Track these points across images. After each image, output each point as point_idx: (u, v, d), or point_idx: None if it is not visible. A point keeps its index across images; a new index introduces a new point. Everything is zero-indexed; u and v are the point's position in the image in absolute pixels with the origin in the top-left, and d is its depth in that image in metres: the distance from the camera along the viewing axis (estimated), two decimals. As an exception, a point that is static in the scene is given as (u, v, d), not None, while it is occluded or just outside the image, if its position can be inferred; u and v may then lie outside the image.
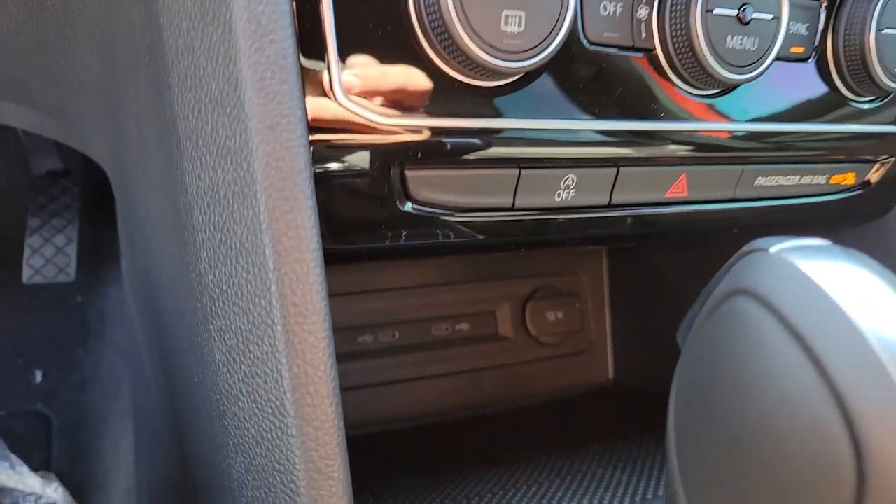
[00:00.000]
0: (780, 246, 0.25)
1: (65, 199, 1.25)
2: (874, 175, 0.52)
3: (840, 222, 0.57)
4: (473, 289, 0.77)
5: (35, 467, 1.13)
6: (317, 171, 0.33)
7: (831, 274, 0.24)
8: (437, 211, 0.38)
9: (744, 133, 0.44)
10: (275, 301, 0.27)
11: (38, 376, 1.17)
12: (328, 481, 0.28)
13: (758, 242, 0.26)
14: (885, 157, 0.51)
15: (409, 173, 0.36)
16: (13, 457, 1.08)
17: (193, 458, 0.41)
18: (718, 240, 0.64)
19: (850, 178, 0.51)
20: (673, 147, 0.42)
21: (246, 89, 0.26)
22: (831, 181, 0.50)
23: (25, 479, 1.09)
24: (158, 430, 0.65)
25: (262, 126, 0.27)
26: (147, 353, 0.63)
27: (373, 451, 0.66)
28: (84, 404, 1.19)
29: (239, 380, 0.29)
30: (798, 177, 0.49)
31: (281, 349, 0.27)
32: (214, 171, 0.28)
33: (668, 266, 0.76)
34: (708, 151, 0.44)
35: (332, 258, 0.41)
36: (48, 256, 1.22)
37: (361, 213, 0.36)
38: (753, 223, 0.50)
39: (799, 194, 0.50)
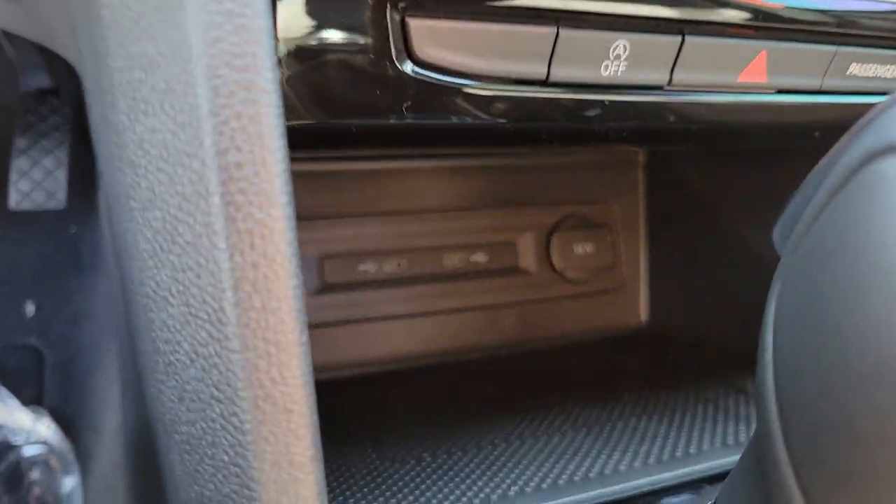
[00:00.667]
0: None
1: (54, 119, 1.17)
2: None
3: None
4: (492, 215, 0.69)
5: (26, 403, 1.07)
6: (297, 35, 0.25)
7: None
8: (446, 78, 0.29)
9: (841, 9, 0.35)
10: (209, 159, 0.19)
11: (30, 309, 1.11)
12: (285, 415, 0.20)
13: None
14: None
15: (411, 22, 0.27)
16: (3, 390, 1.02)
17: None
18: (783, 155, 0.54)
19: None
20: (751, 17, 0.33)
21: None
22: (937, 76, 0.41)
23: (15, 414, 1.03)
24: (134, 374, 0.58)
25: None
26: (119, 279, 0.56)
27: (374, 394, 0.59)
28: (78, 339, 1.13)
29: (167, 275, 0.21)
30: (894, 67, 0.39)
31: (218, 229, 0.19)
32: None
33: (714, 193, 0.66)
34: (796, 24, 0.35)
35: (321, 139, 0.32)
36: (37, 180, 1.15)
37: (352, 76, 0.28)
38: (836, 126, 0.41)
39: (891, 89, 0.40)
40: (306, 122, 0.28)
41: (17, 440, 1.04)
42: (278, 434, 0.20)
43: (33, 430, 1.07)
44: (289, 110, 0.31)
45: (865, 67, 0.38)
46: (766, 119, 0.39)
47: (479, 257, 0.68)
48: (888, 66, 0.39)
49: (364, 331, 0.64)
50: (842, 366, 0.17)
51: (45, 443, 1.06)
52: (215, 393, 0.20)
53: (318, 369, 0.64)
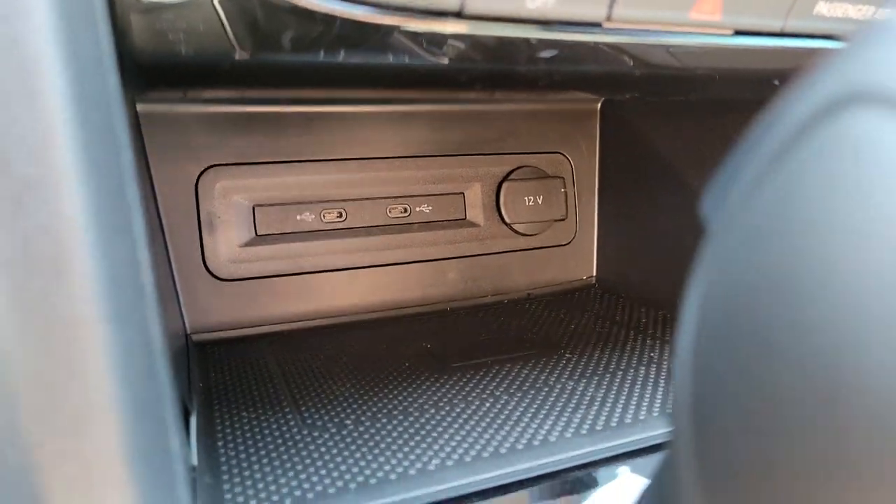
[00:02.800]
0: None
1: None
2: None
3: None
4: (439, 164, 0.64)
5: None
6: None
7: None
8: (357, 10, 0.25)
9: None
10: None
11: None
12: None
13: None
14: None
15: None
16: None
17: None
18: (742, 107, 0.50)
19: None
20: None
21: None
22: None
23: None
24: None
25: None
26: None
27: (305, 352, 0.55)
28: None
29: None
30: (875, 7, 0.35)
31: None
32: None
33: (670, 146, 0.63)
34: (756, -47, 0.30)
35: (259, 78, 0.28)
36: None
37: (281, 11, 0.23)
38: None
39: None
40: (243, 59, 0.24)
41: None
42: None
43: None
44: (222, 45, 0.26)
45: (834, 6, 0.34)
46: (721, 65, 0.35)
47: (425, 208, 0.64)
48: (860, 6, 0.35)
49: (300, 284, 0.60)
50: (794, 332, 0.14)
51: None
52: None
53: (246, 324, 0.60)
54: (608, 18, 0.29)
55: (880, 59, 0.13)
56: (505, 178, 0.67)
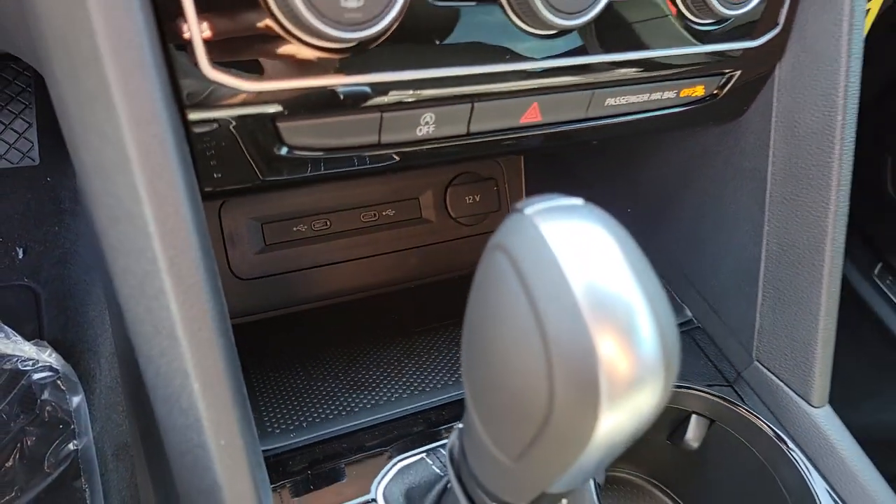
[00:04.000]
0: (533, 207, 0.33)
1: (18, 84, 1.27)
2: (722, 87, 0.58)
3: (697, 124, 0.64)
4: (399, 178, 0.85)
5: (28, 337, 1.26)
6: (203, 129, 0.40)
7: (564, 232, 0.32)
8: (311, 153, 0.45)
9: (589, 64, 0.51)
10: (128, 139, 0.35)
11: (20, 253, 1.26)
12: (197, 305, 0.37)
13: (520, 203, 0.34)
14: (731, 70, 0.57)
15: (280, 125, 0.43)
16: (7, 328, 1.20)
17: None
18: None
19: (699, 91, 0.58)
20: (522, 82, 0.49)
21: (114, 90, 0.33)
22: (682, 94, 0.57)
23: (21, 347, 1.22)
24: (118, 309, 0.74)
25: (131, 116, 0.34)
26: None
27: (311, 324, 0.77)
28: (67, 277, 1.27)
29: (117, 233, 0.37)
30: (648, 94, 0.55)
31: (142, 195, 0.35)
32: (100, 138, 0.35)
33: (576, 155, 0.83)
34: (557, 81, 0.50)
35: (224, 193, 0.48)
36: (10, 141, 1.27)
37: (248, 157, 0.44)
38: (611, 135, 0.57)
39: (651, 108, 0.57)
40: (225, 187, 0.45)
41: (26, 367, 1.25)
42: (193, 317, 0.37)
43: (39, 358, 1.27)
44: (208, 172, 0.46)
45: (620, 99, 0.55)
46: (550, 141, 0.55)
47: (390, 212, 0.85)
48: (638, 95, 0.55)
49: (302, 277, 0.82)
50: (482, 344, 0.35)
51: (50, 368, 1.27)
52: (154, 303, 0.37)
53: (261, 310, 0.83)
54: (468, 133, 0.50)
55: (509, 230, 0.33)
56: (450, 184, 0.87)
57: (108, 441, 1.19)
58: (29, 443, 1.23)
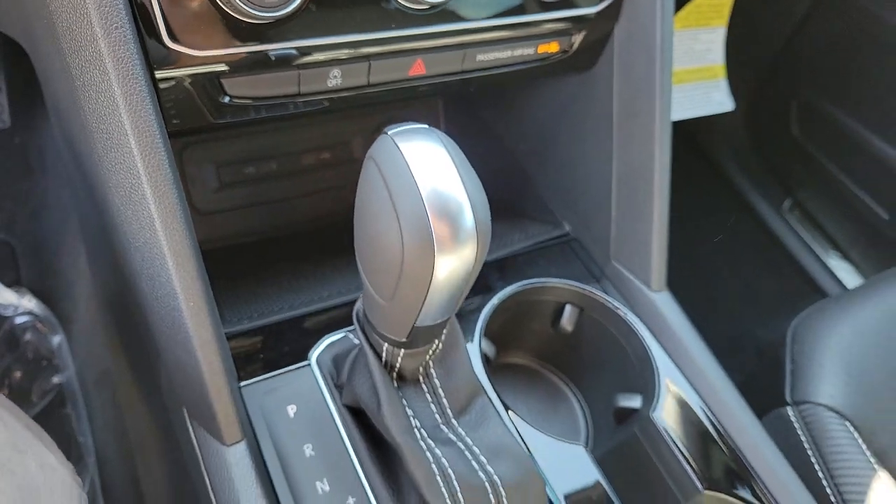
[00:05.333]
0: (394, 130, 0.49)
1: (-16, 52, 1.37)
2: (572, 45, 0.75)
3: (559, 74, 0.81)
4: (333, 125, 1.01)
5: (9, 284, 1.40)
6: (166, 85, 0.56)
7: (413, 147, 0.48)
8: (248, 101, 0.61)
9: (460, 29, 0.67)
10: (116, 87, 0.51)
11: (-7, 210, 1.37)
12: (175, 229, 0.53)
13: (386, 128, 0.50)
14: (578, 31, 0.74)
15: (223, 80, 0.59)
16: (-15, 278, 1.33)
17: (121, 259, 0.66)
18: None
19: (554, 47, 0.75)
20: (408, 44, 0.65)
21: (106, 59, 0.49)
22: (539, 51, 0.74)
23: (2, 294, 1.36)
24: (102, 244, 0.88)
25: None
26: (80, 184, 0.84)
27: (258, 254, 0.93)
28: (40, 230, 1.40)
29: (116, 175, 0.53)
30: (511, 51, 0.72)
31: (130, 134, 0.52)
32: (98, 94, 0.51)
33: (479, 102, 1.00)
34: (435, 43, 0.67)
35: (185, 132, 0.63)
36: (-21, 107, 1.37)
37: (200, 105, 0.59)
38: (486, 84, 0.74)
39: (516, 62, 0.73)
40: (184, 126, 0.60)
41: (7, 312, 1.40)
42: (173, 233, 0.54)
43: (19, 304, 1.43)
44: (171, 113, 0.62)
45: (488, 55, 0.71)
46: (439, 88, 0.71)
47: (326, 155, 1.01)
48: (503, 52, 0.72)
49: (252, 212, 0.98)
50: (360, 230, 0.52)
51: (30, 313, 1.43)
52: (139, 206, 0.53)
53: (219, 239, 1.01)
54: (368, 84, 0.66)
55: (376, 146, 0.50)
56: (376, 130, 1.03)
57: (89, 373, 1.34)
58: (16, 378, 1.39)
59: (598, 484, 0.69)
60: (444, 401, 0.62)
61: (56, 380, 1.40)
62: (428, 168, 0.46)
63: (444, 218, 0.46)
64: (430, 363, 0.62)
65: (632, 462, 0.76)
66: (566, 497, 0.67)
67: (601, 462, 0.70)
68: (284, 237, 0.97)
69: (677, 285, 0.84)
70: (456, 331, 0.62)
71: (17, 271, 1.46)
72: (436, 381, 0.62)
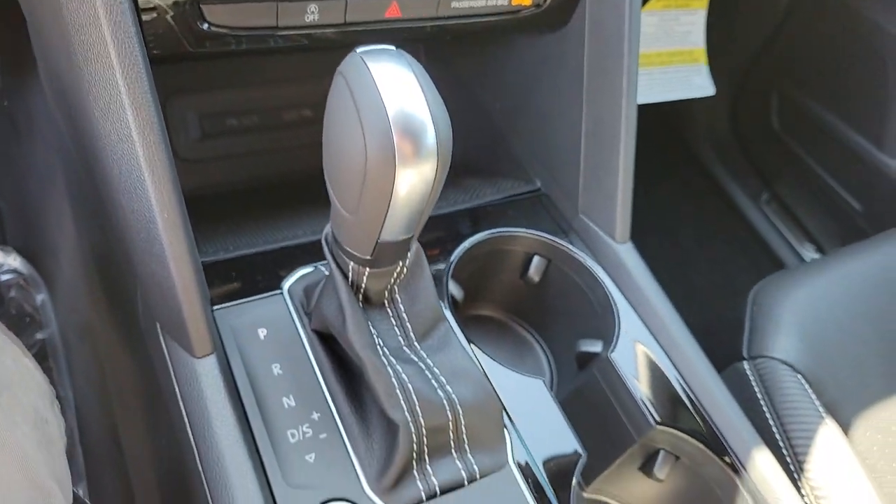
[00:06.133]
0: (361, 49, 0.52)
1: (-26, 18, 1.39)
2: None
3: (533, 28, 0.84)
4: (313, 84, 1.04)
5: (-7, 245, 1.41)
6: (147, 13, 0.59)
7: (381, 65, 0.51)
8: (226, 30, 0.64)
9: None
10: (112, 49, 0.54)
11: (-20, 173, 1.39)
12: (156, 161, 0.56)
13: (357, 48, 0.53)
14: (550, -16, 0.77)
15: (203, 7, 0.61)
16: (-29, 239, 1.35)
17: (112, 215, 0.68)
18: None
19: (527, 0, 0.78)
20: (385, -14, 0.68)
21: None
22: (513, 3, 0.77)
23: (-14, 253, 1.38)
24: (91, 203, 0.90)
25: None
26: (71, 145, 0.87)
27: (238, 202, 0.96)
28: (27, 192, 1.41)
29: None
30: (485, 0, 0.75)
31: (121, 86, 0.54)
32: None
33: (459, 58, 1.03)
34: (411, -13, 0.70)
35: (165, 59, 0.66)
36: (-32, 70, 1.38)
37: (180, 32, 0.62)
38: (463, 32, 0.77)
39: (489, 13, 0.76)
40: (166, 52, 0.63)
41: None
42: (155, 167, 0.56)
43: (4, 262, 1.45)
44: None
45: (462, 2, 0.74)
46: (412, 32, 0.74)
47: (307, 111, 1.04)
48: (475, 1, 0.75)
49: (233, 163, 1.00)
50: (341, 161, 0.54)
51: (15, 271, 1.45)
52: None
53: (200, 188, 1.03)
54: (344, 22, 0.69)
55: (346, 62, 0.53)
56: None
57: (72, 329, 1.36)
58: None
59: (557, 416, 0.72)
60: (408, 325, 0.65)
61: (39, 336, 1.42)
62: (394, 86, 0.49)
63: (407, 134, 0.48)
64: (396, 288, 0.64)
65: (590, 403, 0.79)
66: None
67: (562, 406, 0.73)
68: (264, 188, 1.00)
69: (652, 270, 0.87)
70: (421, 259, 0.65)
71: (3, 231, 1.48)
72: (400, 305, 0.65)
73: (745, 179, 2.05)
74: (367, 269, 0.59)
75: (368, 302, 0.64)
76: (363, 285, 0.61)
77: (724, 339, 0.98)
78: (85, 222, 1.23)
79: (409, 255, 0.62)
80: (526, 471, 0.65)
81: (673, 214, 2.02)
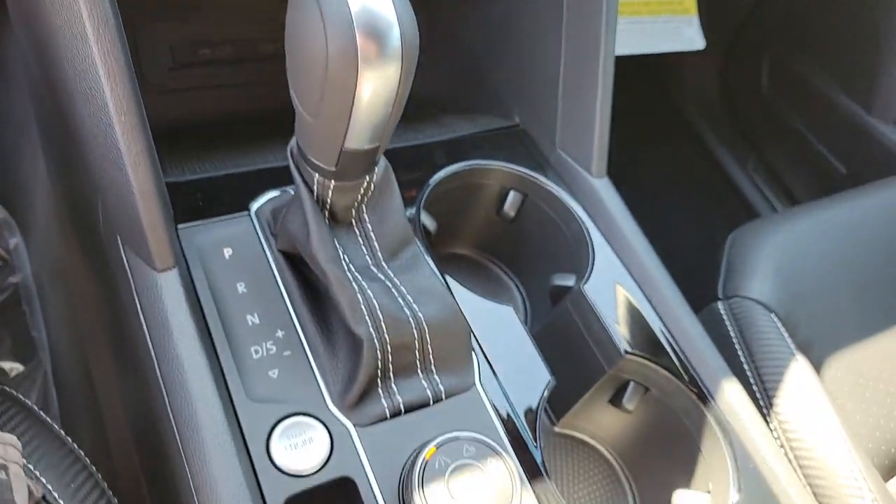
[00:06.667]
0: None
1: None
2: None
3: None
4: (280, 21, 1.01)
5: (-34, 190, 1.39)
6: None
7: None
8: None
9: None
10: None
11: (-48, 120, 1.36)
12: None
13: None
14: None
15: None
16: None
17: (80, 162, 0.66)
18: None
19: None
20: None
21: None
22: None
23: (-40, 198, 1.35)
24: (64, 150, 0.87)
25: None
26: (45, 93, 0.84)
27: (211, 129, 0.94)
28: (1, 138, 1.39)
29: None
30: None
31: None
32: None
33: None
34: None
35: None
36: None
37: None
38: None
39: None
40: None
41: None
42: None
43: None
44: None
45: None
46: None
47: (283, 45, 1.01)
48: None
49: (206, 95, 0.98)
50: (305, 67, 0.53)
51: None
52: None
53: (171, 119, 1.00)
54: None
55: None
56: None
57: (45, 273, 1.34)
58: (-28, 276, 1.38)
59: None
60: (376, 244, 0.64)
61: (12, 279, 1.40)
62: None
63: (371, 33, 0.47)
64: (364, 207, 0.63)
65: (562, 335, 0.78)
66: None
67: (535, 340, 0.73)
68: (237, 121, 0.98)
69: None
70: (390, 178, 0.64)
71: (-25, 177, 1.45)
72: (368, 225, 0.64)
73: (732, 142, 2.04)
74: (333, 181, 0.58)
75: (335, 219, 0.62)
76: (329, 200, 0.60)
77: (700, 283, 0.98)
78: (57, 167, 1.21)
79: (376, 169, 0.60)
80: (493, 393, 0.65)
81: (658, 177, 2.02)
